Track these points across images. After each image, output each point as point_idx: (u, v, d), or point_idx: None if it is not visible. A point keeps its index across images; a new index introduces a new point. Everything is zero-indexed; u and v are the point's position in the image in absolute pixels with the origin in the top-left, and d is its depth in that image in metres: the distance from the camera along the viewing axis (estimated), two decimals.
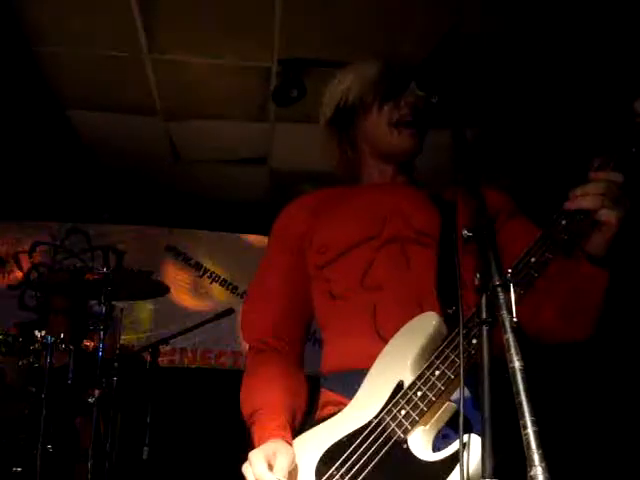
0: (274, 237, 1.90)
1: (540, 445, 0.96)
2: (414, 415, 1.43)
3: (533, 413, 0.97)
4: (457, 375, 1.39)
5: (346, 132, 1.88)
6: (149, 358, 4.14)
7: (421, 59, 1.79)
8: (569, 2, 3.51)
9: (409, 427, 1.43)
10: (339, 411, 1.57)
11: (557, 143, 4.91)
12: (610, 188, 1.38)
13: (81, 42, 3.97)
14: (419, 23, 3.62)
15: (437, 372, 1.43)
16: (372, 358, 1.56)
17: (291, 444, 1.57)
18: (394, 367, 1.50)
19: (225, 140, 5.12)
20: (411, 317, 1.55)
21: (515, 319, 1.07)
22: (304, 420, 1.70)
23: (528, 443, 0.96)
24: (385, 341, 1.56)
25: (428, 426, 1.44)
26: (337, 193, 1.88)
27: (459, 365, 1.36)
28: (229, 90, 4.45)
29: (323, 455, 1.52)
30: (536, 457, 0.97)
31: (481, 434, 1.09)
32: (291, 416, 1.65)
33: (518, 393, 0.99)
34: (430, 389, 1.42)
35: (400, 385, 1.48)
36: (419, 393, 1.43)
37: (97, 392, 3.55)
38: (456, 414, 1.42)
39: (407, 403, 1.44)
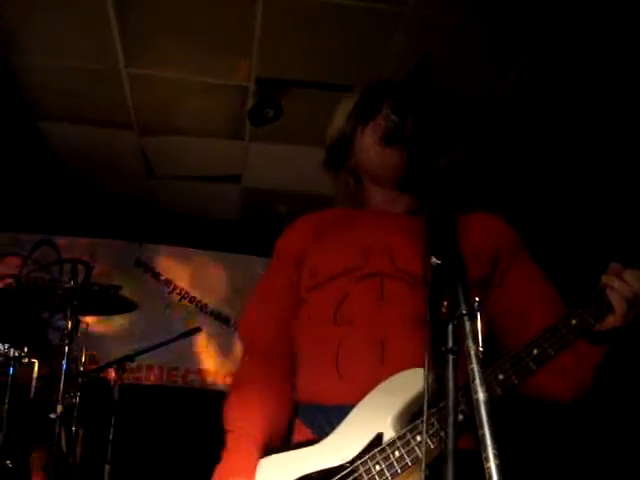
0: (275, 253, 1.91)
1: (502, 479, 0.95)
2: (388, 474, 1.43)
3: (496, 446, 0.96)
4: (436, 447, 1.40)
5: (345, 167, 1.88)
6: (114, 375, 4.08)
7: (396, 82, 1.80)
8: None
9: None
10: (307, 441, 1.56)
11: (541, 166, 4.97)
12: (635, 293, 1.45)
13: (58, 53, 3.94)
14: (396, 44, 3.65)
15: (418, 438, 1.43)
16: (331, 396, 1.58)
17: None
18: (376, 416, 1.49)
19: (199, 157, 5.10)
20: (371, 357, 1.56)
21: (481, 348, 1.06)
22: (280, 438, 1.69)
23: (490, 477, 0.95)
24: (343, 379, 1.57)
25: None
26: (339, 215, 1.88)
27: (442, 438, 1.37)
28: (205, 107, 4.44)
29: None
30: None
31: (444, 467, 1.06)
32: (267, 437, 1.63)
33: (482, 425, 0.97)
34: (408, 453, 1.43)
35: (379, 437, 1.47)
36: (397, 453, 1.43)
37: (59, 408, 3.49)
38: None
39: (384, 460, 1.44)
